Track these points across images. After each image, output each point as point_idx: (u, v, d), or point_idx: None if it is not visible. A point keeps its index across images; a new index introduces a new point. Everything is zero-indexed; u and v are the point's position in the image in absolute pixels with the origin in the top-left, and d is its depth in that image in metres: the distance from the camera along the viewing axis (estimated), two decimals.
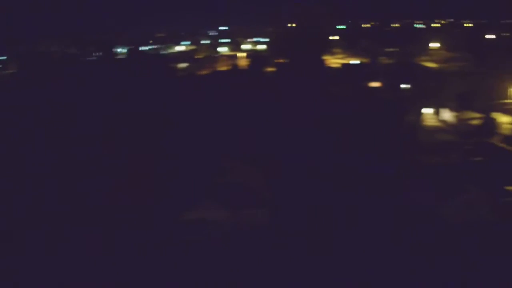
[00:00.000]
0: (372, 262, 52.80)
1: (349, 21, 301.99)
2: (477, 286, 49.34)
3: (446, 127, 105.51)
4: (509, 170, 73.21)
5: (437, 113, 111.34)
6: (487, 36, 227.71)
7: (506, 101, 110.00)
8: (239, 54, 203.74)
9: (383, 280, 50.16)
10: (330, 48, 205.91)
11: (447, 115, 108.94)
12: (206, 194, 69.73)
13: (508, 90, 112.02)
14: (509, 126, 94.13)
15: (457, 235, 59.59)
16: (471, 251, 55.99)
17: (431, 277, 50.58)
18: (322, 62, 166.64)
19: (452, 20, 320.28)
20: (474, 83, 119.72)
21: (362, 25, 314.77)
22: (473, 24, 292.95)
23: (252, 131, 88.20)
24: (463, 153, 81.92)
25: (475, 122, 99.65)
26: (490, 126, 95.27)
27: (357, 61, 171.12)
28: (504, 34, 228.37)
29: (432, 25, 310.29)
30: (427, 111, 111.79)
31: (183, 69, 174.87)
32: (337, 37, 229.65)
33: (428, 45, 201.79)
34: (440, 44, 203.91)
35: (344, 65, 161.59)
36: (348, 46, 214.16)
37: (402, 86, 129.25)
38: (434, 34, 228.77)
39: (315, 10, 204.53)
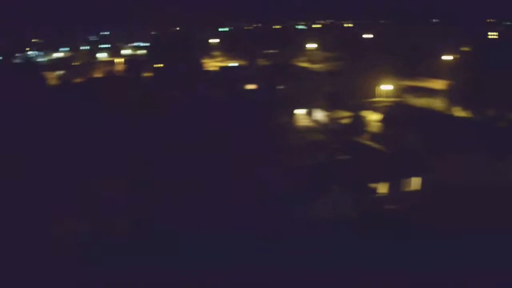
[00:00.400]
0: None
1: (232, 24, 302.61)
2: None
3: (318, 127, 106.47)
4: (373, 167, 74.01)
5: (309, 113, 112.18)
6: (364, 36, 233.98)
7: (375, 99, 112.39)
8: (116, 60, 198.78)
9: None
10: (210, 51, 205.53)
11: (319, 115, 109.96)
12: (71, 207, 66.18)
13: (377, 88, 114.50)
14: (377, 123, 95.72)
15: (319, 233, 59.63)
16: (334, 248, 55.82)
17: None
18: (200, 65, 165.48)
19: (332, 21, 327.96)
20: (346, 82, 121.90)
21: (245, 27, 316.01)
22: (353, 24, 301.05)
23: (118, 142, 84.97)
24: (330, 152, 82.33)
25: (345, 121, 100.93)
26: (359, 124, 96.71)
27: (235, 64, 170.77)
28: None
29: (313, 26, 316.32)
30: (300, 111, 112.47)
31: (58, 77, 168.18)
32: (217, 40, 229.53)
33: (306, 46, 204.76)
34: (318, 44, 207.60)
35: (221, 68, 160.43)
36: (229, 48, 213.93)
37: (278, 87, 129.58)
38: (314, 35, 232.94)
39: (196, 14, 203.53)
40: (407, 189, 73.29)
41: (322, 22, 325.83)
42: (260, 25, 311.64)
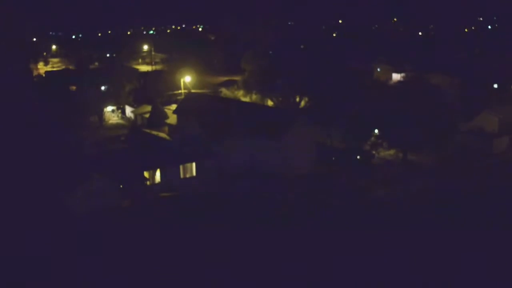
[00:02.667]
0: None
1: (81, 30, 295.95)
2: None
3: (125, 122, 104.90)
4: (153, 155, 72.76)
5: (120, 109, 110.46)
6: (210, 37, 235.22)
7: (179, 91, 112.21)
8: None
9: None
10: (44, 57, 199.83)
11: (128, 110, 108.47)
12: None
13: (186, 82, 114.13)
14: (174, 115, 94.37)
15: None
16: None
17: None
18: (29, 71, 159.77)
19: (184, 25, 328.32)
20: (163, 80, 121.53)
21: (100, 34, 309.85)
22: (202, 28, 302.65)
23: None
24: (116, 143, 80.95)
25: (147, 115, 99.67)
26: (158, 116, 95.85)
27: (62, 68, 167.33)
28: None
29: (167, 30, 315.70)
30: (110, 108, 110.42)
31: None
32: (54, 47, 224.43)
33: (145, 49, 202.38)
34: (159, 47, 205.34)
35: (46, 72, 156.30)
36: (67, 54, 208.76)
37: (100, 87, 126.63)
38: (159, 39, 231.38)
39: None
40: (185, 175, 72.46)
41: (172, 27, 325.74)
42: (110, 31, 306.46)
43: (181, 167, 72.14)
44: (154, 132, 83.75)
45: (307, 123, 77.44)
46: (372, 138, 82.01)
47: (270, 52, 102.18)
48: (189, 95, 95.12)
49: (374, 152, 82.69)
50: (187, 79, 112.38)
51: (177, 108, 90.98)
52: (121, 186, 66.73)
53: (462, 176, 74.42)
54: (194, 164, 72.82)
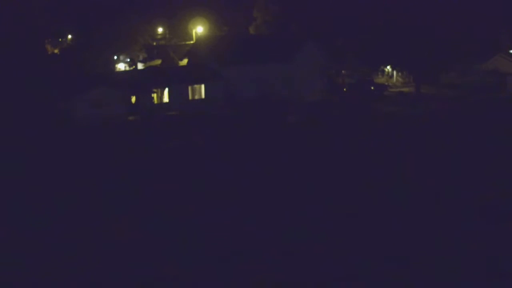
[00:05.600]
0: None
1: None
2: None
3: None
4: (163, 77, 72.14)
5: (132, 66, 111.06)
6: None
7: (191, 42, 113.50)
8: None
9: None
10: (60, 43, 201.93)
11: (140, 66, 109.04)
12: None
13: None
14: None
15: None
16: None
17: None
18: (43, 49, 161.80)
19: None
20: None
21: None
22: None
23: None
24: None
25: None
26: (169, 63, 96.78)
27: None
28: None
29: None
30: (122, 66, 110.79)
31: None
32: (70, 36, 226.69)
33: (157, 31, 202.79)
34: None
35: (62, 49, 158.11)
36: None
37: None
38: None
39: None
40: (193, 97, 72.05)
41: None
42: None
43: (189, 88, 71.75)
44: None
45: (317, 47, 76.62)
46: (385, 68, 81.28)
47: None
48: (200, 39, 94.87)
49: (386, 83, 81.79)
50: (199, 29, 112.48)
51: (188, 51, 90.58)
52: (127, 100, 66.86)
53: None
54: (203, 86, 72.34)
